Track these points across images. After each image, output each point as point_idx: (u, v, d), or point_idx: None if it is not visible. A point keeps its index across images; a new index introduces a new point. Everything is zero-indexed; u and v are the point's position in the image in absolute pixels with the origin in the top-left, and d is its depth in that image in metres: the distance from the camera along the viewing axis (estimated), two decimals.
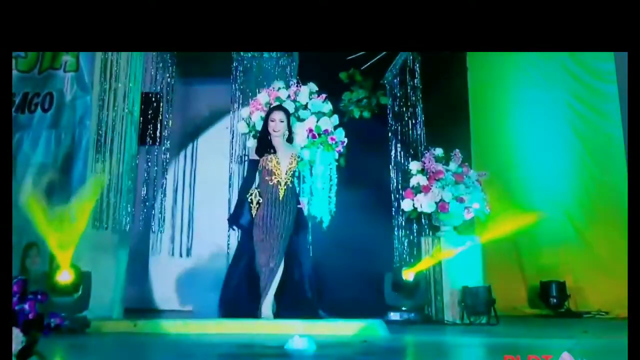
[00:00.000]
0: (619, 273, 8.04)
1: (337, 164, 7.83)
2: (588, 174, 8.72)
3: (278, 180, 6.58)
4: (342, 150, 7.79)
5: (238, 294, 6.44)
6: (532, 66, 9.12)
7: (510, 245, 8.34)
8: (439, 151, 8.28)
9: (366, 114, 8.87)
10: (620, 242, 8.20)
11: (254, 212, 6.55)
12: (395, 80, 9.12)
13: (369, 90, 8.95)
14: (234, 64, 9.21)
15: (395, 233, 8.86)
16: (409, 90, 9.04)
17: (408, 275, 7.66)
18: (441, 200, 7.85)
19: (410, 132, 8.92)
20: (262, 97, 8.07)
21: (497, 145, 9.10)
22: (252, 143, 6.80)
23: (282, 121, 6.79)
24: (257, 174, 6.72)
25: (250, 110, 8.01)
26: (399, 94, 9.07)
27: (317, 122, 7.83)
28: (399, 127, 9.06)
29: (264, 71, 9.11)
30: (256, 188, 6.65)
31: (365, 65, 8.92)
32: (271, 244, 6.43)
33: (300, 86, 8.08)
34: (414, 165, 8.18)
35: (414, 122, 8.90)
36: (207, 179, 9.48)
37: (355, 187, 7.91)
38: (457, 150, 8.32)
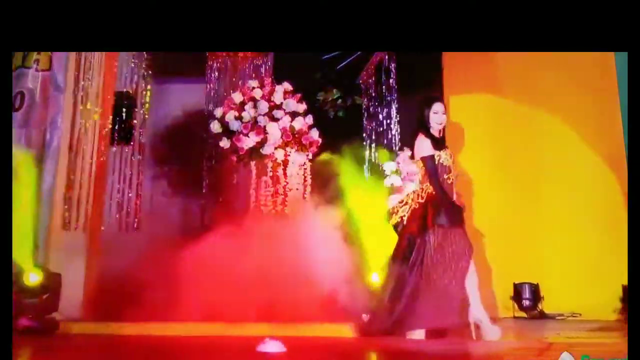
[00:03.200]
0: (592, 275, 8.12)
1: (311, 164, 7.79)
2: (562, 176, 8.69)
3: (452, 180, 6.06)
4: (316, 150, 7.76)
5: None
6: (511, 65, 9.05)
7: (481, 246, 8.28)
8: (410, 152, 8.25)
9: (341, 114, 8.80)
10: (593, 243, 8.25)
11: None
12: (370, 80, 9.04)
13: (343, 90, 8.88)
14: (208, 63, 9.14)
15: None
16: (384, 90, 8.96)
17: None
18: None
19: (385, 132, 8.85)
20: (236, 96, 8.03)
21: (474, 145, 9.04)
22: (422, 140, 6.32)
23: (444, 113, 6.14)
24: None
25: (224, 110, 7.96)
26: (374, 94, 8.99)
27: (291, 122, 7.79)
28: (374, 127, 9.00)
29: (238, 71, 9.04)
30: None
31: (341, 65, 8.84)
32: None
33: (274, 86, 8.04)
34: (388, 166, 8.14)
35: (389, 122, 8.83)
36: (181, 180, 9.37)
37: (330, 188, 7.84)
38: None
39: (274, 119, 7.76)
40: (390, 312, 5.76)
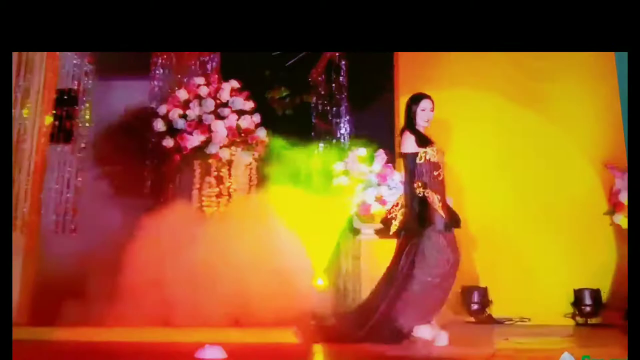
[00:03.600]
0: (542, 279, 8.06)
1: (257, 164, 7.64)
2: (513, 178, 8.62)
3: (443, 176, 5.89)
4: (262, 149, 7.62)
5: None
6: (466, 65, 8.97)
7: None
8: (362, 151, 8.13)
9: (289, 112, 8.64)
10: (543, 247, 8.21)
11: (442, 212, 5.73)
12: (320, 78, 8.88)
13: (293, 88, 8.72)
14: (153, 60, 8.91)
15: None
16: (334, 89, 8.83)
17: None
18: (363, 202, 7.71)
19: (335, 131, 8.71)
20: (181, 94, 7.86)
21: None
22: (407, 137, 6.03)
23: (432, 110, 6.00)
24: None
25: (168, 108, 7.78)
26: (323, 92, 8.84)
27: (238, 120, 7.64)
28: (323, 126, 8.86)
29: (184, 67, 8.83)
30: (424, 187, 5.75)
31: (290, 62, 8.68)
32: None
33: (222, 83, 7.88)
34: (337, 166, 8.01)
35: (338, 121, 8.70)
36: (122, 180, 9.13)
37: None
38: (382, 150, 8.18)
39: (220, 117, 7.61)
40: (366, 318, 5.67)
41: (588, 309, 7.90)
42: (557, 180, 8.52)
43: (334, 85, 8.81)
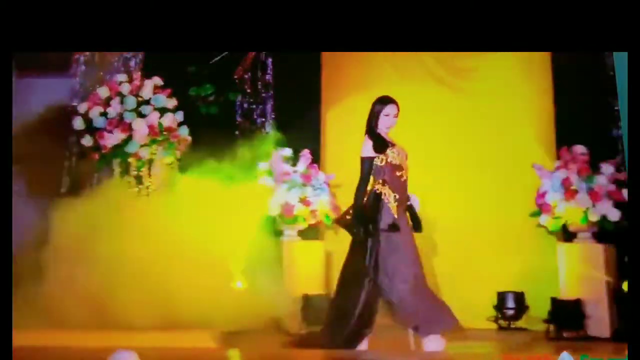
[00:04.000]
0: (465, 282, 8.04)
1: (179, 163, 7.53)
2: (440, 179, 8.62)
3: (406, 177, 5.85)
4: (185, 148, 7.51)
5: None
6: (391, 66, 8.97)
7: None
8: (287, 151, 8.08)
9: (213, 111, 8.51)
10: (468, 249, 8.24)
11: (394, 212, 5.70)
12: (246, 76, 8.75)
13: (217, 86, 8.59)
14: (75, 56, 8.69)
15: None
16: (259, 87, 8.73)
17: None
18: (286, 202, 7.66)
19: (259, 130, 8.61)
20: (103, 91, 7.70)
21: (350, 147, 8.88)
22: (365, 141, 5.81)
23: (396, 117, 5.91)
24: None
25: (89, 106, 7.62)
26: (249, 90, 8.73)
27: (160, 118, 7.52)
28: (248, 125, 8.76)
29: (106, 64, 8.63)
30: (382, 184, 5.75)
31: (215, 59, 8.55)
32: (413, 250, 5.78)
33: (144, 80, 7.74)
34: (261, 166, 7.93)
35: (263, 120, 8.61)
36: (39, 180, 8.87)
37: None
38: (307, 150, 8.14)
39: (141, 115, 7.47)
40: (343, 324, 5.60)
41: (511, 312, 7.90)
42: (484, 182, 8.52)
43: (259, 83, 8.69)
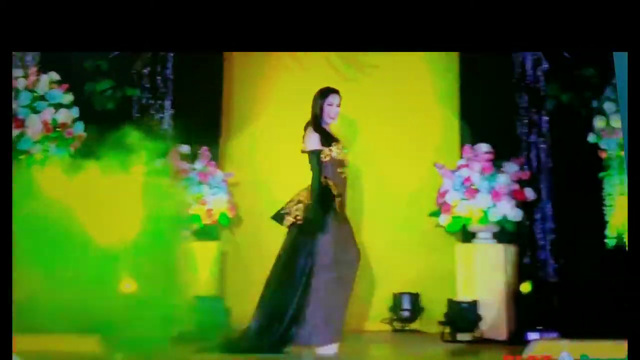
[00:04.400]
0: (360, 283, 8.11)
1: (72, 160, 7.40)
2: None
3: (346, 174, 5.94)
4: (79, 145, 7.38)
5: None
6: (297, 64, 8.98)
7: (256, 253, 8.15)
8: (185, 148, 8.04)
9: (110, 106, 8.37)
10: (366, 249, 8.31)
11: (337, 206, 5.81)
12: (145, 70, 8.62)
13: (115, 81, 8.45)
14: None
15: None
16: (158, 82, 8.62)
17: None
18: (182, 201, 7.62)
19: (157, 126, 8.50)
20: None
21: (250, 145, 8.89)
22: (310, 133, 6.01)
23: (339, 106, 6.01)
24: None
25: None
26: (147, 85, 8.60)
27: (54, 114, 7.38)
28: (145, 121, 8.62)
29: None
30: (326, 179, 5.85)
31: (114, 54, 8.41)
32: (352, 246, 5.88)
33: (40, 75, 7.57)
34: (158, 163, 7.85)
35: (161, 115, 8.51)
36: None
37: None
38: (205, 147, 8.12)
39: (35, 111, 7.33)
40: (274, 326, 5.59)
41: (406, 313, 7.97)
42: (385, 181, 8.67)
43: (158, 78, 8.56)
